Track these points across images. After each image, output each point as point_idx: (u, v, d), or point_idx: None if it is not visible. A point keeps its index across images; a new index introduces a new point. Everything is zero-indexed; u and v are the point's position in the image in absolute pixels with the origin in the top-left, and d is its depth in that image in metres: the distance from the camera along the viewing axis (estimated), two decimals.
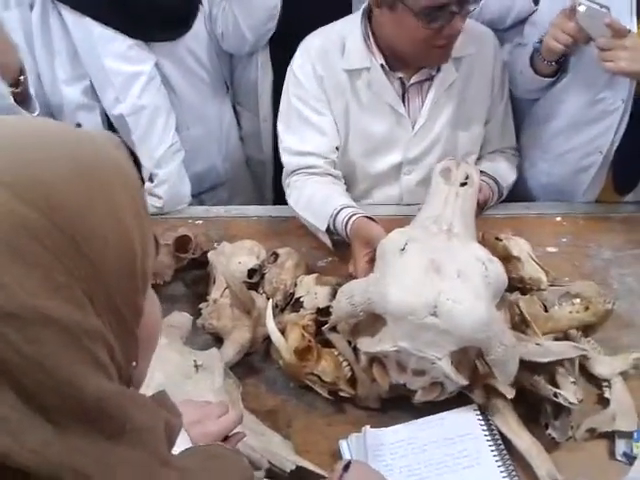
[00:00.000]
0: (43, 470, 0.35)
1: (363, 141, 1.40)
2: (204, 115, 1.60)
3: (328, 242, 1.31)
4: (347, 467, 0.72)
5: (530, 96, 1.50)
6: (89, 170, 0.40)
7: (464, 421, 0.97)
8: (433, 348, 0.88)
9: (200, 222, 1.43)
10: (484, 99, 1.43)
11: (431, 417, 0.97)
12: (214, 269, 1.17)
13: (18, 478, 0.34)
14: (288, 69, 1.40)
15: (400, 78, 1.36)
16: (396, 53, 1.32)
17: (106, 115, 1.45)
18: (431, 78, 1.37)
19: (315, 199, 1.34)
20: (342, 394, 1.01)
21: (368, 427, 0.94)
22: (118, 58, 1.36)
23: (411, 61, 1.33)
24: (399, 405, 1.00)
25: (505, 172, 1.47)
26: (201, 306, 1.13)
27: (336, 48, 1.35)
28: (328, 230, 1.29)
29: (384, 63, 1.33)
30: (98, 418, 0.37)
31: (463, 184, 1.15)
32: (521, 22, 1.52)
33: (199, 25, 1.49)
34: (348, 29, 1.36)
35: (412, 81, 1.36)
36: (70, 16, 1.33)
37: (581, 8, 1.24)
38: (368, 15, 1.35)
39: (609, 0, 1.27)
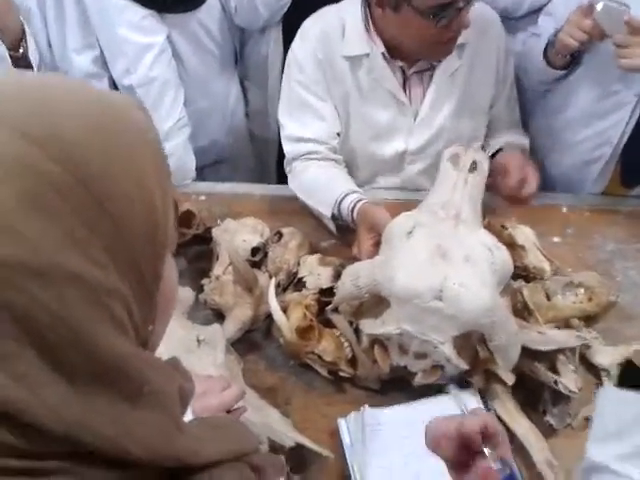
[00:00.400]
0: (60, 428, 0.34)
1: (364, 128, 1.39)
2: (211, 90, 1.59)
3: (333, 228, 1.31)
4: None
5: (542, 87, 1.49)
6: (113, 131, 0.39)
7: (463, 404, 0.97)
8: (436, 332, 0.88)
9: (203, 198, 1.42)
10: (488, 86, 1.40)
11: (430, 398, 0.97)
12: (217, 245, 1.17)
13: (29, 433, 0.34)
14: (289, 53, 1.38)
15: (401, 67, 1.33)
16: (400, 48, 1.29)
17: (115, 85, 1.44)
18: (433, 67, 1.34)
19: (318, 184, 1.33)
20: (342, 374, 1.01)
21: (366, 406, 0.94)
22: (131, 28, 1.34)
23: (415, 56, 1.31)
24: (398, 387, 1.00)
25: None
26: (203, 282, 1.13)
27: (336, 32, 1.32)
28: (333, 217, 1.29)
29: (385, 51, 1.30)
30: (117, 379, 0.37)
31: (472, 169, 1.14)
32: (535, 12, 1.50)
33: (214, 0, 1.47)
34: (349, 12, 1.31)
35: (413, 70, 1.33)
36: None
37: (599, 6, 1.22)
38: (368, 3, 1.30)
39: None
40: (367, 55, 1.31)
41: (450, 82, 1.36)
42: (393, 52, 1.30)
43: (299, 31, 1.36)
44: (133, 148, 0.40)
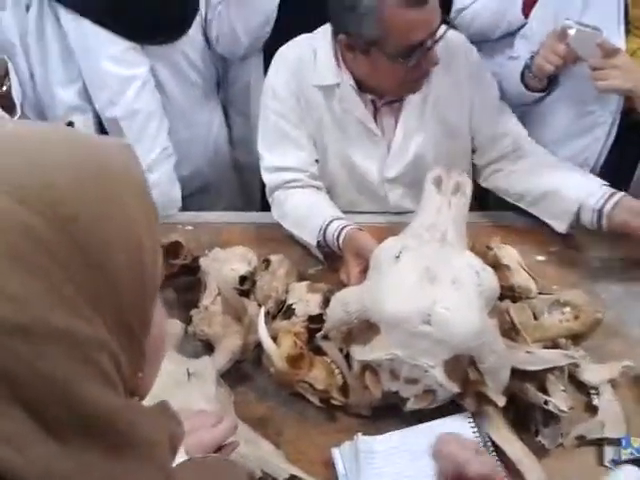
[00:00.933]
0: None
1: (340, 157, 1.39)
2: (194, 119, 1.60)
3: (320, 255, 1.31)
4: None
5: (520, 109, 1.52)
6: (99, 178, 0.39)
7: (456, 429, 0.96)
8: (426, 356, 0.89)
9: (190, 228, 1.43)
10: (462, 110, 1.38)
11: (423, 425, 0.97)
12: (206, 275, 1.17)
13: None
14: (265, 81, 1.39)
15: (371, 99, 1.33)
16: (370, 88, 1.30)
17: (98, 118, 1.44)
18: (402, 97, 1.34)
19: (301, 213, 1.34)
20: (334, 402, 1.01)
21: (360, 434, 0.94)
22: (114, 61, 1.35)
23: (385, 94, 1.31)
24: (391, 413, 1.00)
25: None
26: (192, 313, 1.13)
27: (309, 61, 1.33)
28: (318, 244, 1.29)
29: (353, 84, 1.30)
30: (105, 432, 0.36)
31: (455, 192, 1.16)
32: (511, 34, 1.54)
33: (194, 29, 1.49)
34: (320, 43, 1.32)
35: (384, 101, 1.34)
36: (67, 17, 1.32)
37: (572, 31, 1.26)
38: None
39: (598, 18, 1.30)
40: (338, 85, 1.32)
41: (421, 110, 1.35)
42: (362, 86, 1.31)
43: (274, 59, 1.37)
44: (121, 198, 0.40)
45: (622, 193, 1.29)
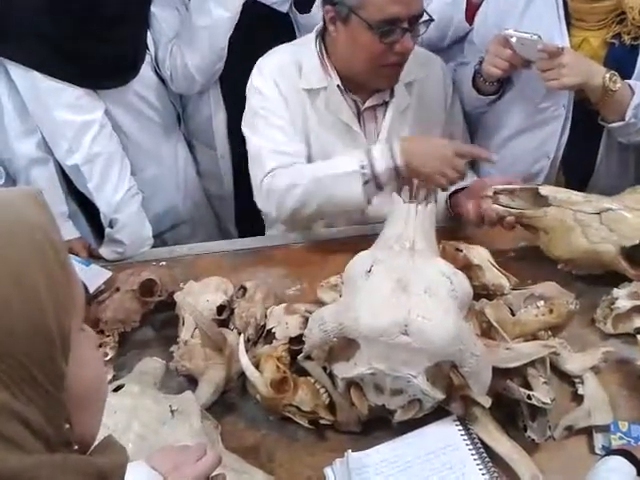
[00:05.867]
0: None
1: (323, 158, 1.41)
2: (158, 155, 1.61)
3: (359, 190, 1.28)
4: None
5: (477, 111, 1.55)
6: None
7: (445, 434, 0.97)
8: (408, 366, 0.89)
9: (164, 263, 1.42)
10: (439, 122, 1.47)
11: (412, 433, 0.97)
12: (182, 310, 1.17)
13: None
14: (247, 89, 1.41)
15: (355, 101, 1.39)
16: (350, 72, 1.35)
17: (60, 166, 1.44)
18: (385, 103, 1.40)
19: (321, 164, 1.33)
20: (322, 422, 1.01)
21: (350, 451, 0.94)
22: (68, 109, 1.35)
23: (363, 80, 1.36)
24: (380, 426, 1.00)
25: None
26: (172, 349, 1.12)
27: (293, 68, 1.38)
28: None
29: (340, 84, 1.37)
30: None
31: (422, 200, 1.17)
32: (460, 41, 1.57)
33: (145, 68, 1.50)
34: (302, 51, 1.39)
35: (367, 105, 1.40)
36: (16, 71, 1.32)
37: (513, 39, 1.30)
38: (322, 36, 1.39)
39: (538, 16, 1.33)
40: (325, 88, 1.37)
41: (402, 118, 1.42)
42: (347, 84, 1.37)
43: (255, 68, 1.41)
44: (13, 251, 0.38)
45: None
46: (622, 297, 1.17)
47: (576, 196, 1.25)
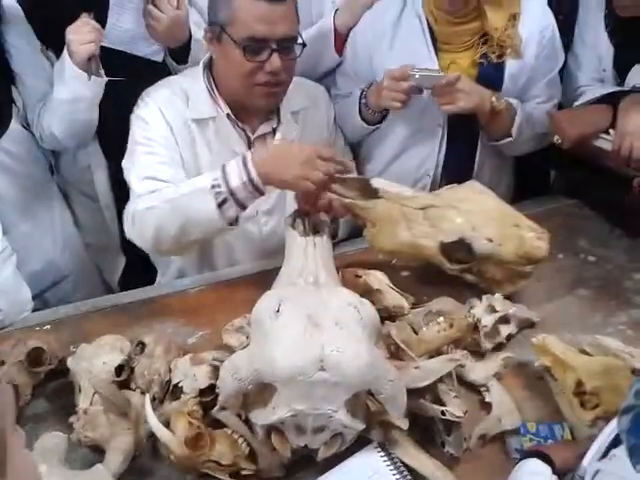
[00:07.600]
0: None
1: None
2: (31, 210, 1.51)
3: (213, 205, 1.21)
4: None
5: (360, 138, 1.61)
6: None
7: (368, 462, 0.97)
8: (328, 402, 0.88)
9: (49, 327, 1.31)
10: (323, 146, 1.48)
11: (336, 468, 0.96)
12: (77, 376, 1.08)
13: None
14: (132, 117, 1.37)
15: (244, 130, 1.40)
16: (229, 92, 1.36)
17: None
18: (274, 131, 1.41)
19: (181, 184, 1.28)
20: (244, 472, 0.97)
21: None
22: None
23: (242, 99, 1.36)
24: (304, 465, 0.98)
25: None
26: (71, 420, 1.03)
27: (181, 99, 1.37)
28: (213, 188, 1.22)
29: (230, 112, 1.37)
30: None
31: (315, 232, 1.18)
32: (330, 74, 1.62)
33: (14, 123, 1.42)
34: (189, 82, 1.38)
35: (257, 133, 1.41)
36: None
37: (416, 76, 1.39)
38: (210, 67, 1.38)
39: (406, 43, 1.41)
40: (213, 119, 1.37)
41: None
42: (238, 113, 1.38)
43: (140, 99, 1.37)
44: None
45: None
46: (482, 315, 1.19)
47: (406, 192, 1.31)
